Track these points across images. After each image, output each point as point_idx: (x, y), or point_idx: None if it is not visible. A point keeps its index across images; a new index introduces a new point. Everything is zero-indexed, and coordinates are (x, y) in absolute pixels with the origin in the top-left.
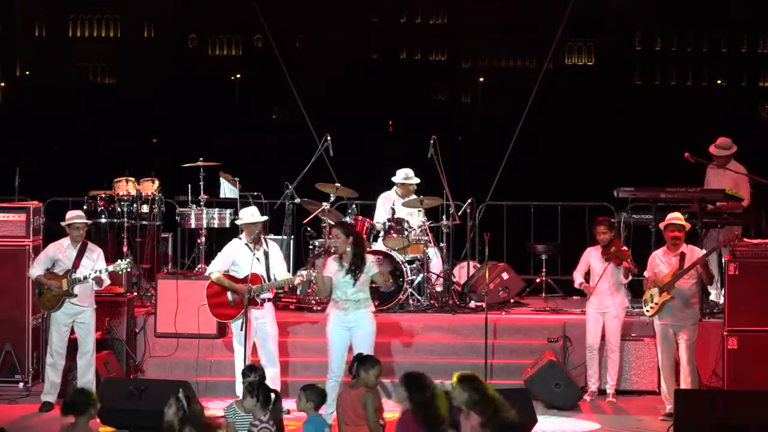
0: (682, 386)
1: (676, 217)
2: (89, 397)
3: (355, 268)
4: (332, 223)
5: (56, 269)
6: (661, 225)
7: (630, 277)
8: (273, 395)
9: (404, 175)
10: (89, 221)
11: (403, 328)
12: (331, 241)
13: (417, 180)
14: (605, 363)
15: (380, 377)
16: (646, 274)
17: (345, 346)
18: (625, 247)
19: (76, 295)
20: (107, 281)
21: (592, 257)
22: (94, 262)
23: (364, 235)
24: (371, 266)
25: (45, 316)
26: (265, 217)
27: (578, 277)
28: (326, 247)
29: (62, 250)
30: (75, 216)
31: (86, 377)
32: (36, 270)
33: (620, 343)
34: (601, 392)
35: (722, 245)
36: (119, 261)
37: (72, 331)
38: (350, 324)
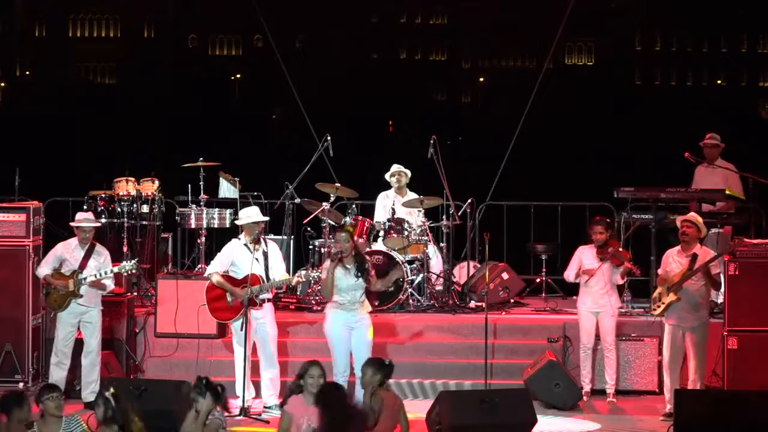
0: (689, 387)
1: (692, 215)
2: (19, 399)
3: (362, 270)
4: (333, 223)
5: (63, 269)
6: (678, 221)
7: (626, 278)
8: (220, 388)
9: (391, 172)
10: (98, 224)
11: (403, 328)
12: (337, 246)
13: (401, 168)
14: (602, 363)
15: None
16: (659, 271)
17: (348, 345)
18: (621, 249)
19: (82, 296)
20: (111, 285)
21: (585, 256)
22: (101, 263)
23: (365, 235)
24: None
25: (50, 316)
26: (266, 218)
27: (572, 274)
28: (341, 249)
29: (70, 251)
30: (84, 219)
31: (91, 376)
32: (44, 269)
33: (615, 342)
34: (600, 392)
35: (725, 252)
36: (124, 262)
37: (78, 331)
38: (354, 324)
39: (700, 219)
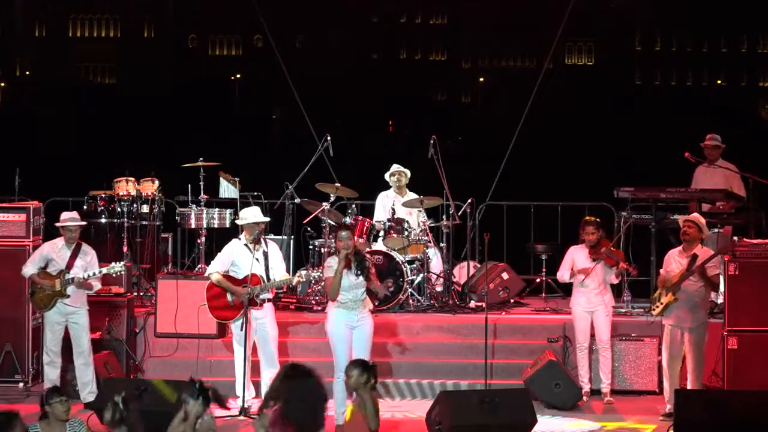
0: (688, 387)
1: (694, 215)
2: (11, 419)
3: (362, 268)
4: (333, 223)
5: (50, 269)
6: (680, 219)
7: (624, 278)
8: (211, 392)
9: (391, 172)
10: (83, 223)
11: (403, 328)
12: (340, 245)
13: (400, 168)
14: (597, 363)
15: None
16: (661, 271)
17: (349, 344)
18: (613, 248)
19: (69, 296)
20: (97, 286)
21: (577, 256)
22: (88, 263)
23: (365, 235)
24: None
25: (41, 316)
26: (267, 218)
27: (566, 274)
28: (347, 247)
29: (56, 250)
30: (68, 218)
31: (86, 377)
32: (29, 269)
33: (611, 341)
34: (596, 392)
35: (721, 253)
36: (113, 263)
37: (66, 331)
38: (356, 323)
39: (702, 220)
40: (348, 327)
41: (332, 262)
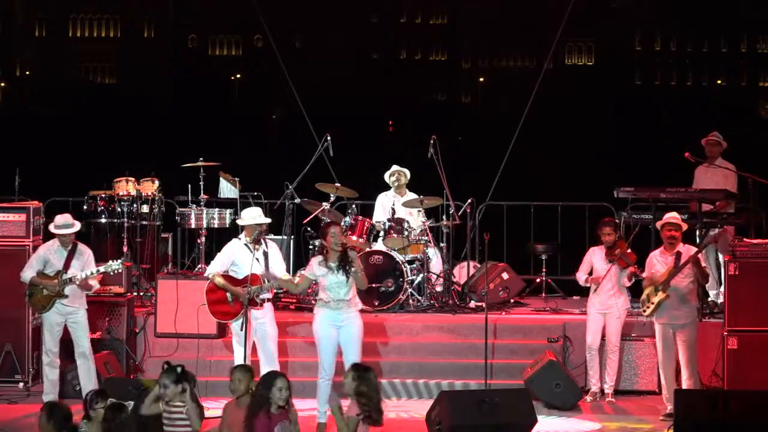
0: (683, 387)
1: (672, 216)
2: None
3: (345, 264)
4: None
5: (46, 270)
6: (658, 224)
7: (633, 280)
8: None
9: (390, 172)
10: (78, 228)
11: (403, 328)
12: (330, 240)
13: (399, 168)
14: (604, 363)
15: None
16: (644, 274)
17: (335, 344)
18: (629, 250)
19: (67, 296)
20: (96, 285)
21: (595, 257)
22: (84, 263)
23: (365, 235)
24: (356, 259)
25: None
26: (269, 220)
27: (583, 276)
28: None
29: (53, 252)
30: (62, 224)
31: (88, 377)
32: (29, 273)
33: (620, 343)
34: (601, 392)
35: (712, 241)
36: (111, 262)
37: (65, 332)
38: (341, 323)
39: (679, 217)
40: (333, 327)
41: (314, 263)
